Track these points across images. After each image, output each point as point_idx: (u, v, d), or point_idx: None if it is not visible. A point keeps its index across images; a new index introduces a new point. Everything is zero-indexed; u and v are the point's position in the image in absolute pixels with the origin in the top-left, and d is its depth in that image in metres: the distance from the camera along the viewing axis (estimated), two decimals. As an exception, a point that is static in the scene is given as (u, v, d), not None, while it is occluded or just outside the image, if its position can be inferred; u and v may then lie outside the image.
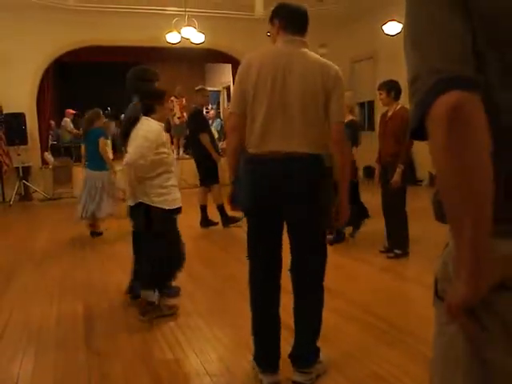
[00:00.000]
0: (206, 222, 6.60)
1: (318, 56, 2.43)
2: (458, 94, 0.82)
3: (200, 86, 7.00)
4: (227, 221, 6.44)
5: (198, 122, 6.57)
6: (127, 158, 3.32)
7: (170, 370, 2.73)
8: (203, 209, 6.59)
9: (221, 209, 6.43)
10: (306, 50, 2.42)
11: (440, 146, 0.85)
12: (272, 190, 2.35)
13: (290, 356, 2.55)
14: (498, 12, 0.89)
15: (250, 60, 2.43)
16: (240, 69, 2.46)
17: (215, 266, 4.95)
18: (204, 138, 6.33)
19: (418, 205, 4.64)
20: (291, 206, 2.37)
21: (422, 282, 3.80)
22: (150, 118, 3.43)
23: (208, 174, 6.48)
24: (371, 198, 5.55)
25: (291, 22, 2.43)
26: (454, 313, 0.93)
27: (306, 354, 2.51)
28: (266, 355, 2.54)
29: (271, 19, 2.49)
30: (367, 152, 6.38)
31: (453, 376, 0.98)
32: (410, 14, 0.96)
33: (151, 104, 3.47)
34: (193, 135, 6.66)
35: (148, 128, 3.37)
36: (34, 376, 2.73)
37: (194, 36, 9.51)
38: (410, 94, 0.93)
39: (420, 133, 0.90)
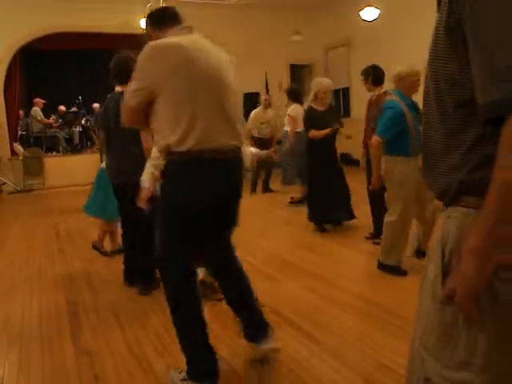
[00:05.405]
0: None
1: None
2: None
3: None
4: None
5: None
6: None
7: (166, 370, 2.58)
8: None
9: None
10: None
11: None
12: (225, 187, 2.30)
13: (253, 333, 2.53)
14: None
15: (165, 47, 2.21)
16: (153, 54, 2.18)
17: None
18: None
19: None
20: (234, 202, 2.41)
21: (411, 267, 3.77)
22: None
23: None
24: (356, 183, 5.52)
25: (166, 16, 2.47)
26: (460, 300, 0.96)
27: (266, 321, 2.57)
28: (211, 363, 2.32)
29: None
30: (343, 139, 6.29)
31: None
32: None
33: None
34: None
35: None
36: (19, 381, 2.55)
37: (169, 21, 9.20)
38: (501, 75, 0.89)
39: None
